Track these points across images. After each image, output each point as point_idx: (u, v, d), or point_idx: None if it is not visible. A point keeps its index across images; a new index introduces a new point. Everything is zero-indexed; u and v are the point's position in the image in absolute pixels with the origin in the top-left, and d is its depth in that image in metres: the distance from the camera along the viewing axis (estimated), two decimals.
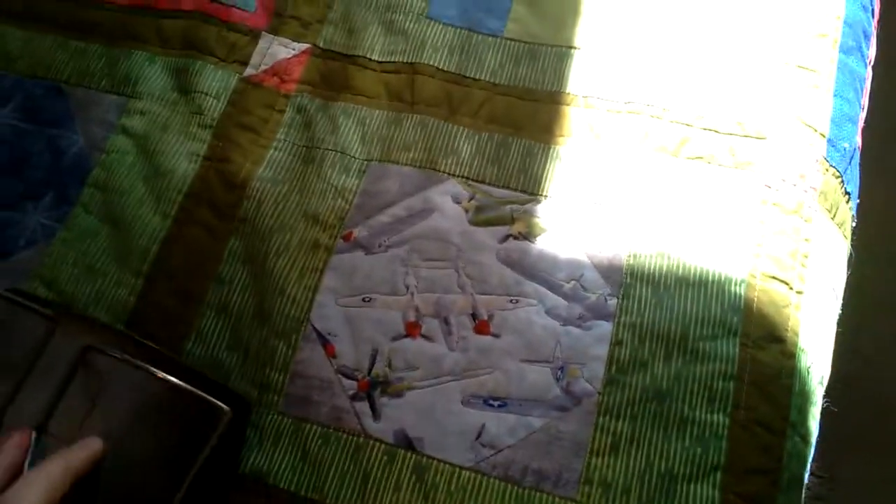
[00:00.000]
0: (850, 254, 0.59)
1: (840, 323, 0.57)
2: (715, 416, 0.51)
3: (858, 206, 0.60)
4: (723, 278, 0.54)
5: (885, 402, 0.86)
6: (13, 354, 0.44)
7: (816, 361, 0.53)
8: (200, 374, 0.47)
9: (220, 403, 0.46)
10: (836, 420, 0.58)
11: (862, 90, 0.63)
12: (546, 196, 0.60)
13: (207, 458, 0.45)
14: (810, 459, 0.51)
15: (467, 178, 0.61)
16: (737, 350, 0.52)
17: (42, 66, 0.68)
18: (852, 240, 0.59)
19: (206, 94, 0.66)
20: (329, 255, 0.59)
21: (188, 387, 0.45)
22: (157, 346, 0.46)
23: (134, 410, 0.45)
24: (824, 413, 0.53)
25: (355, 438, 0.53)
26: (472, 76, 0.66)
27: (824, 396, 0.53)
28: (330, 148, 0.64)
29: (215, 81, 0.67)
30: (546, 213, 0.59)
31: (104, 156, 0.65)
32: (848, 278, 0.58)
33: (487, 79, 0.66)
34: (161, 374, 0.44)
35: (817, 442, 0.52)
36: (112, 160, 0.65)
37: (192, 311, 0.59)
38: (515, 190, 0.61)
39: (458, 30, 0.68)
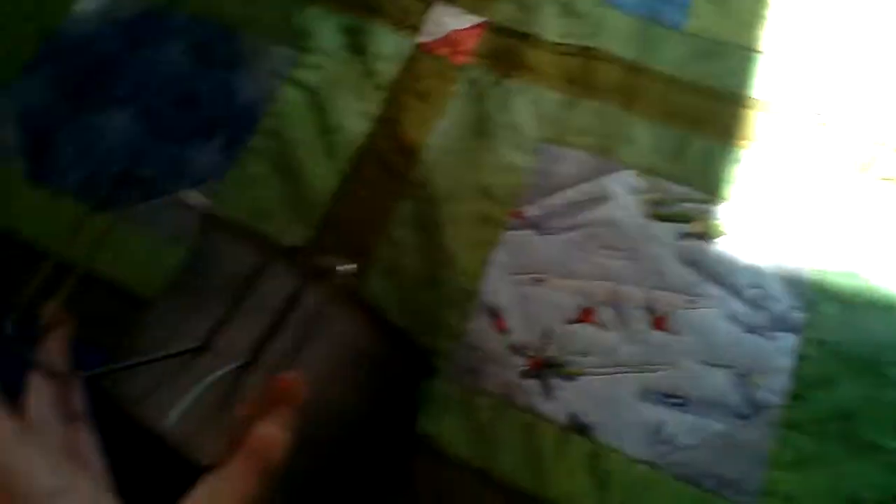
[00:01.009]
0: None
1: None
2: None
3: None
4: None
5: None
6: (225, 283, 0.43)
7: None
8: (398, 327, 0.45)
9: (429, 356, 0.45)
10: None
11: None
12: (726, 198, 0.59)
13: (409, 409, 0.44)
14: None
15: (645, 170, 0.60)
16: None
17: (214, 9, 0.68)
18: None
19: (381, 57, 0.66)
20: (500, 230, 0.59)
21: (404, 334, 0.44)
22: (358, 293, 0.44)
23: (343, 355, 0.43)
24: None
25: (526, 415, 0.52)
26: (650, 67, 0.65)
27: None
28: (502, 124, 0.63)
29: (390, 45, 0.66)
30: (726, 216, 0.58)
31: (275, 105, 0.64)
32: None
33: (666, 72, 0.65)
34: (377, 319, 0.43)
35: None
36: (283, 110, 0.64)
37: (360, 266, 0.58)
38: (695, 188, 0.60)
39: (637, 19, 0.67)
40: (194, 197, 0.31)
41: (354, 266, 0.42)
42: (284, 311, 0.41)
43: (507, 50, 0.66)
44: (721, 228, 0.58)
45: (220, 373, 0.40)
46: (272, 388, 0.34)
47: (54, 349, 0.37)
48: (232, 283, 0.43)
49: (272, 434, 0.33)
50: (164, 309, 0.44)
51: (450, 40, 0.67)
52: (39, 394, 0.35)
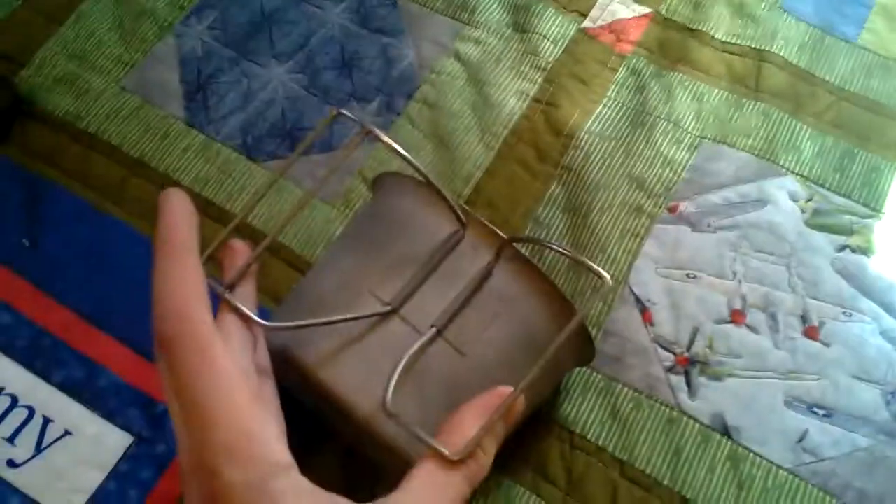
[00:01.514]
0: None
1: None
2: None
3: None
4: None
5: None
6: (418, 247, 0.42)
7: None
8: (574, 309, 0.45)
9: (593, 343, 0.45)
10: None
11: None
12: (888, 215, 0.57)
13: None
14: None
15: (807, 178, 0.59)
16: None
17: None
18: None
19: (544, 37, 0.66)
20: (652, 222, 0.58)
21: (582, 319, 0.43)
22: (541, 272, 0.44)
23: (524, 336, 0.43)
24: None
25: (669, 410, 0.52)
26: (821, 77, 0.64)
27: None
28: (662, 117, 0.62)
29: (555, 26, 0.66)
30: (888, 233, 0.57)
31: (434, 75, 0.65)
32: None
33: (836, 83, 0.63)
34: (557, 300, 0.43)
35: None
36: (442, 81, 0.64)
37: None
38: (857, 202, 0.58)
39: (811, 27, 0.66)
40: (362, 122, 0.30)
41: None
42: (478, 285, 0.41)
43: (672, 43, 0.66)
44: (881, 244, 0.57)
45: (415, 348, 0.39)
46: (492, 397, 0.34)
47: (245, 296, 0.37)
48: (421, 246, 0.43)
49: (485, 449, 0.32)
50: (341, 265, 0.44)
51: (615, 27, 0.67)
52: (231, 343, 0.33)
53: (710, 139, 0.61)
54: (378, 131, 0.34)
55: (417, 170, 0.38)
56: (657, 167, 0.60)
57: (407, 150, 0.41)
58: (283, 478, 0.27)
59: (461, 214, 0.42)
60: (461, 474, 0.29)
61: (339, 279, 0.43)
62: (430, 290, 0.42)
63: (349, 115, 0.34)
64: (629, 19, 0.67)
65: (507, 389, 0.34)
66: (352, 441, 0.47)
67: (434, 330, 0.40)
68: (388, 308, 0.41)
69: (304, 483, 0.28)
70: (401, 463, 0.38)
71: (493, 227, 0.42)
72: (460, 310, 0.41)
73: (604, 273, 0.37)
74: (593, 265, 0.38)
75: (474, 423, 0.32)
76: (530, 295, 0.42)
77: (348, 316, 0.39)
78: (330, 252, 0.47)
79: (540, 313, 0.42)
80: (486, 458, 0.31)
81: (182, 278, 0.30)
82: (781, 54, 0.64)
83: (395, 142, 0.37)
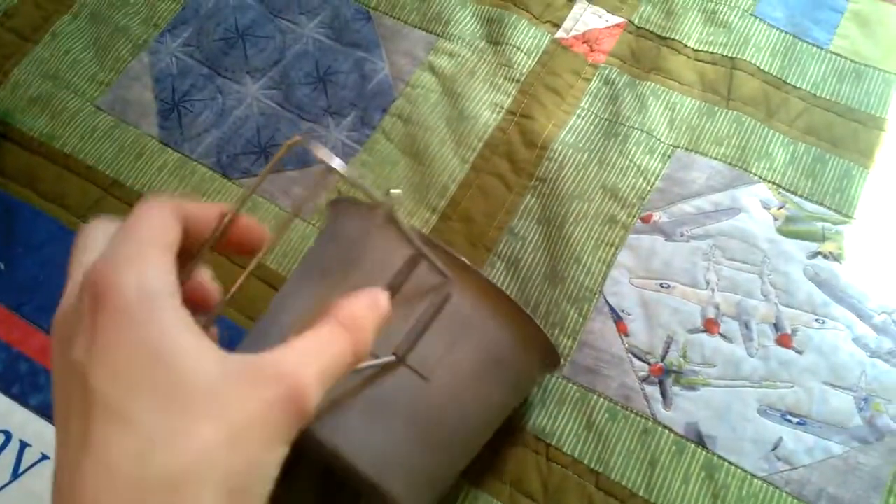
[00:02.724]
0: None
1: None
2: None
3: None
4: None
5: None
6: (377, 273, 0.41)
7: None
8: (534, 321, 0.44)
9: (557, 352, 0.45)
10: None
11: None
12: (860, 220, 0.58)
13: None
14: None
15: (779, 185, 0.60)
16: None
17: None
18: None
19: (518, 49, 0.66)
20: (626, 232, 0.59)
21: (539, 330, 0.44)
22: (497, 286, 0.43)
23: (486, 357, 0.42)
24: None
25: (644, 421, 0.52)
26: (792, 83, 0.64)
27: None
28: (635, 126, 0.62)
29: (528, 38, 0.66)
30: (859, 239, 0.57)
31: (409, 89, 0.65)
32: None
33: (808, 89, 0.64)
34: (517, 315, 0.43)
35: None
36: (416, 94, 0.65)
37: (481, 258, 0.59)
38: (829, 208, 0.59)
39: (783, 33, 0.66)
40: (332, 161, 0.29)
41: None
42: (437, 309, 0.41)
43: (645, 52, 0.66)
44: (853, 250, 0.57)
45: (368, 371, 0.39)
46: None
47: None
48: (381, 272, 0.41)
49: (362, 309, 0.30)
50: (303, 296, 0.43)
51: (588, 38, 0.67)
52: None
53: (682, 148, 0.62)
54: (336, 164, 0.32)
55: (373, 199, 0.37)
56: (631, 177, 0.61)
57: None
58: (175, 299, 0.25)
59: (419, 239, 0.40)
60: (349, 337, 0.28)
61: (302, 311, 0.43)
62: (395, 317, 0.42)
63: (310, 144, 0.33)
64: (602, 29, 0.67)
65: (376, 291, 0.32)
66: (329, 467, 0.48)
67: (394, 358, 0.40)
68: (392, 358, 0.40)
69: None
70: (377, 493, 0.39)
71: (449, 249, 0.41)
72: (421, 335, 0.41)
73: (447, 273, 0.39)
74: (437, 263, 0.39)
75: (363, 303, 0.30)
76: (491, 314, 0.42)
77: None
78: (291, 283, 0.47)
79: (502, 331, 0.43)
80: (368, 333, 0.29)
81: (139, 255, 0.26)
82: (753, 61, 0.65)
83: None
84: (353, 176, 0.32)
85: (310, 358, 0.26)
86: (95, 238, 0.28)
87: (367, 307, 0.30)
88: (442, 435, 0.42)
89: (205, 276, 0.32)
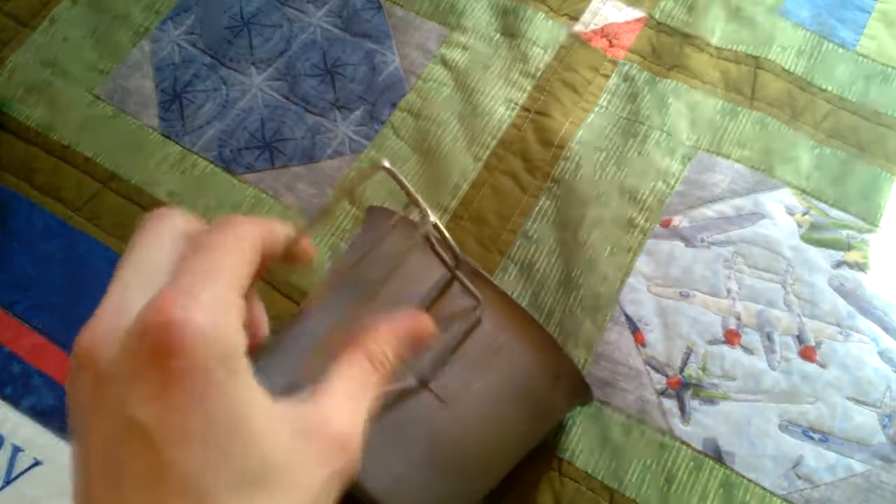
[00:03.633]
0: None
1: None
2: None
3: None
4: None
5: None
6: (410, 289, 0.39)
7: None
8: (565, 353, 0.43)
9: (590, 388, 0.43)
10: None
11: None
12: (886, 229, 0.56)
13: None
14: None
15: (804, 190, 0.58)
16: None
17: None
18: None
19: (534, 43, 0.63)
20: (644, 237, 0.56)
21: (570, 362, 0.42)
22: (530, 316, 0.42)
23: (514, 385, 0.41)
24: None
25: (660, 436, 0.50)
26: (818, 85, 0.62)
27: None
28: (655, 126, 0.60)
29: (545, 31, 0.64)
30: (885, 248, 0.55)
31: (420, 82, 0.63)
32: None
33: (834, 91, 0.61)
34: (547, 344, 0.41)
35: None
36: (428, 88, 0.62)
37: (494, 261, 0.56)
38: (854, 216, 0.57)
39: (809, 33, 0.64)
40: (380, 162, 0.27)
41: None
42: (467, 333, 0.39)
43: (666, 48, 0.64)
44: (879, 260, 0.55)
45: (389, 394, 0.38)
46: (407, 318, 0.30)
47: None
48: (413, 288, 0.40)
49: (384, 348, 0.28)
50: (334, 308, 0.41)
51: (607, 32, 0.65)
52: None
53: (704, 150, 0.59)
54: (408, 186, 0.30)
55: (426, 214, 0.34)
56: (650, 179, 0.58)
57: (391, 162, 0.39)
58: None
59: (452, 258, 0.39)
60: (378, 375, 0.27)
61: (326, 325, 0.41)
62: None
63: (393, 170, 0.30)
64: (622, 23, 0.65)
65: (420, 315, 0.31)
66: None
67: (416, 382, 0.39)
68: (415, 383, 0.39)
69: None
70: None
71: (484, 272, 0.39)
72: (447, 360, 0.39)
73: (479, 296, 0.37)
74: (470, 286, 0.37)
75: (388, 336, 0.29)
76: (521, 343, 0.40)
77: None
78: (322, 292, 0.45)
79: (531, 362, 0.41)
80: (389, 367, 0.28)
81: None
82: (778, 61, 0.62)
83: (379, 153, 0.34)
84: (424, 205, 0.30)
85: (357, 417, 0.25)
86: (162, 246, 0.24)
87: (399, 338, 0.29)
88: (461, 463, 0.40)
89: (259, 310, 0.28)
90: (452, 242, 0.34)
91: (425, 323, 0.30)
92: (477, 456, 0.41)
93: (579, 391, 0.44)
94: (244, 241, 0.24)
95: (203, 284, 0.22)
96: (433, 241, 0.34)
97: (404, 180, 0.30)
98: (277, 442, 0.22)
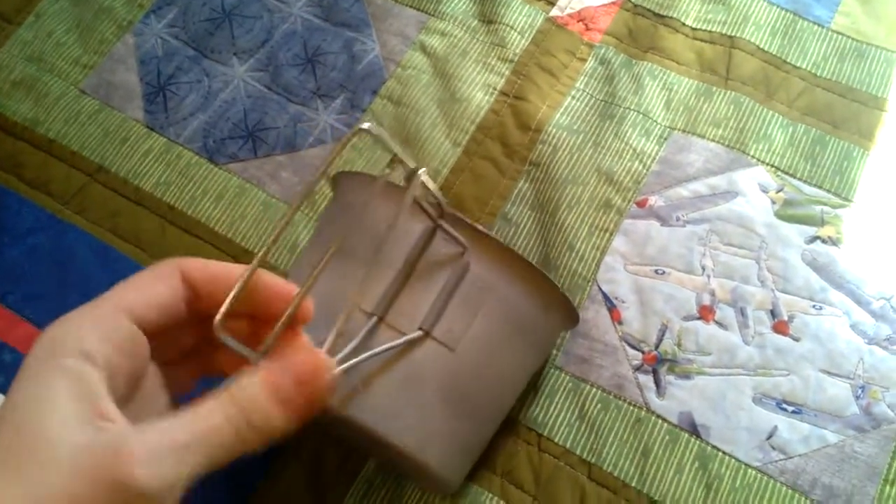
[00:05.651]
0: None
1: None
2: None
3: None
4: None
5: None
6: (392, 249, 0.41)
7: None
8: (551, 281, 0.44)
9: (577, 312, 0.46)
10: None
11: None
12: (859, 204, 0.56)
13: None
14: None
15: (777, 168, 0.58)
16: None
17: None
18: None
19: (511, 28, 0.64)
20: (621, 217, 0.57)
21: (556, 288, 0.43)
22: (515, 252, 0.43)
23: (509, 321, 0.42)
24: None
25: (636, 410, 0.51)
26: (792, 62, 0.62)
27: None
28: (631, 108, 0.61)
29: (522, 16, 0.65)
30: (858, 223, 0.56)
31: (399, 69, 0.64)
32: None
33: (808, 68, 0.62)
34: (535, 276, 0.42)
35: None
36: (407, 76, 0.63)
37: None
38: (828, 191, 0.57)
39: (784, 11, 0.64)
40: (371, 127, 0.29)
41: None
42: (458, 279, 0.40)
43: (642, 30, 0.65)
44: (852, 235, 0.56)
45: (395, 348, 0.39)
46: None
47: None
48: (395, 247, 0.41)
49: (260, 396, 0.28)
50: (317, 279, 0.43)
51: (584, 16, 0.65)
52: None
53: (679, 130, 0.60)
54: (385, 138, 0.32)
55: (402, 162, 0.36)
56: (626, 160, 0.59)
57: (372, 149, 0.39)
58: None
59: (433, 213, 0.40)
60: (234, 414, 0.27)
61: (319, 293, 0.42)
62: (412, 291, 0.41)
63: (375, 131, 0.32)
64: (598, 7, 0.66)
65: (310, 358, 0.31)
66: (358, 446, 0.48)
67: (421, 332, 0.40)
68: (419, 333, 0.40)
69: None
70: (416, 467, 0.40)
71: (466, 218, 0.41)
72: (445, 307, 0.41)
73: (464, 242, 0.40)
74: (454, 233, 0.40)
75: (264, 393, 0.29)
76: (510, 279, 0.42)
77: (379, 349, 0.39)
78: (301, 264, 0.46)
79: (523, 295, 0.43)
80: (273, 422, 0.28)
81: None
82: (753, 40, 0.63)
83: (360, 140, 0.35)
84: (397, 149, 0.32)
85: (171, 457, 0.25)
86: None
87: (276, 393, 0.29)
88: (472, 403, 0.42)
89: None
90: (438, 194, 0.36)
91: (317, 365, 0.31)
92: (486, 393, 0.43)
93: (569, 316, 0.47)
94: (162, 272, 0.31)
95: (92, 303, 0.28)
96: (427, 192, 0.36)
97: (388, 139, 0.31)
98: (60, 440, 0.24)
